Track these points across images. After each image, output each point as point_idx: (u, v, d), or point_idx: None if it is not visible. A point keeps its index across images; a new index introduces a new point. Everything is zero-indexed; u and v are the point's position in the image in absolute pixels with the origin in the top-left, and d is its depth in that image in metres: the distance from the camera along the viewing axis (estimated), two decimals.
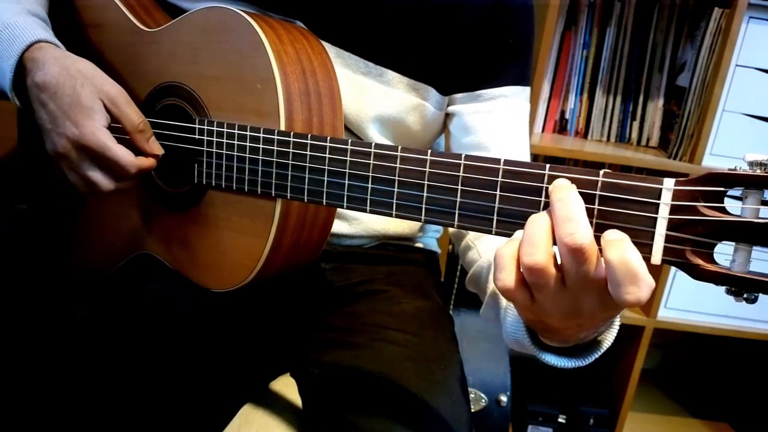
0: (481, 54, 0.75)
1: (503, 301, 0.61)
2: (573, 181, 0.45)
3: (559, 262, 0.45)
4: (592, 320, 0.48)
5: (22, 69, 0.67)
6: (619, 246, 0.42)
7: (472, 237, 0.79)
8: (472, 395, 1.18)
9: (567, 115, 1.59)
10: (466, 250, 0.80)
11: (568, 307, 0.46)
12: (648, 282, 0.42)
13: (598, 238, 0.44)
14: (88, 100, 0.64)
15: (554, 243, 0.44)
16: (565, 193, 0.44)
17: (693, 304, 1.57)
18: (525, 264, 0.44)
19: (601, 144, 1.57)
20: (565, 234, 0.43)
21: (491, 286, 0.68)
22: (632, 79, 1.55)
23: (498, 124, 0.77)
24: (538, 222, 0.44)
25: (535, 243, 0.44)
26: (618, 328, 0.53)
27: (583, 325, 0.49)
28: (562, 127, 1.60)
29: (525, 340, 0.56)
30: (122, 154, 0.65)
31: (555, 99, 1.57)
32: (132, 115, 0.67)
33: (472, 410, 1.04)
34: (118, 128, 0.67)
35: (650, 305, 1.55)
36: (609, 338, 0.54)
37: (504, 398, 1.19)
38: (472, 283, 0.77)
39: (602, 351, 0.54)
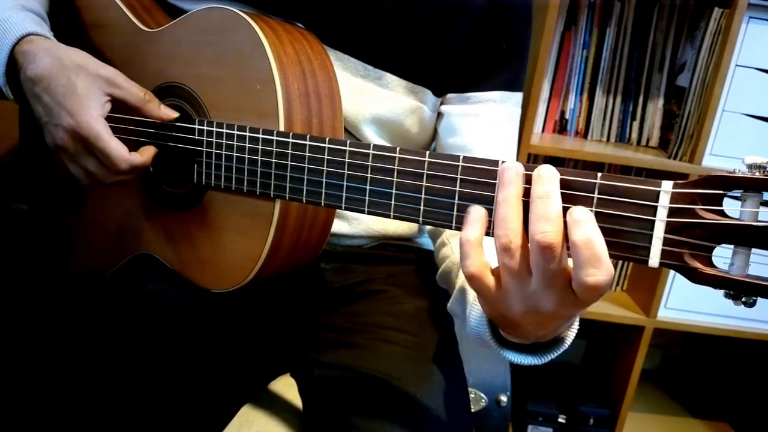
0: (473, 57, 0.75)
1: (470, 297, 0.62)
2: (570, 183, 0.46)
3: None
4: (552, 318, 0.49)
5: (14, 64, 0.67)
6: (584, 227, 0.43)
7: (448, 234, 0.80)
8: (472, 395, 1.17)
9: (567, 115, 1.59)
10: (440, 246, 0.80)
11: (530, 302, 0.48)
12: (608, 266, 0.43)
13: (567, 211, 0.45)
14: (83, 89, 0.64)
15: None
16: (545, 190, 0.45)
17: (693, 304, 1.57)
18: (500, 244, 0.46)
19: (601, 144, 1.57)
20: (537, 231, 0.44)
21: (460, 282, 0.68)
22: (632, 79, 1.55)
23: (483, 128, 0.77)
24: (511, 204, 0.46)
25: (509, 225, 0.46)
26: (577, 330, 0.55)
27: (542, 322, 0.50)
28: (562, 127, 1.60)
29: (486, 335, 0.57)
30: (114, 146, 0.64)
31: (555, 99, 1.57)
32: (134, 89, 0.67)
33: (472, 410, 1.04)
34: (119, 123, 0.68)
35: (650, 305, 1.55)
36: (569, 338, 0.55)
37: (504, 398, 1.19)
38: (442, 279, 0.78)
39: (561, 350, 0.56)
